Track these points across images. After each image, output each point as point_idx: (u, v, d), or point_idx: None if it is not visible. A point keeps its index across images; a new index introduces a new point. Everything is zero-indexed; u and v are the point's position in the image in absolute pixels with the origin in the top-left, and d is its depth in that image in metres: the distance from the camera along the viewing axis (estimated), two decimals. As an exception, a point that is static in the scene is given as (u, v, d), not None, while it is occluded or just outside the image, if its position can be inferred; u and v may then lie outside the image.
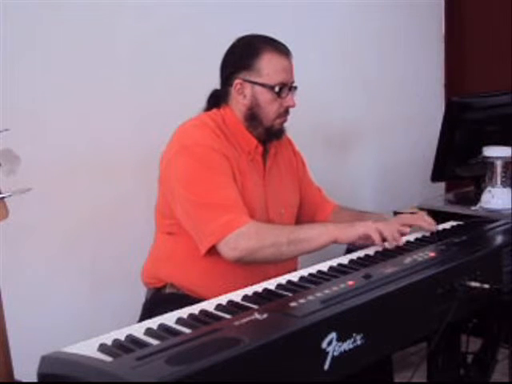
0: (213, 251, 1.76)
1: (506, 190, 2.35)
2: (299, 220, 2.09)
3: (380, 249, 1.70)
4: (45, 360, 1.11)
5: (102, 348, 1.12)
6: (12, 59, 2.19)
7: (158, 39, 2.58)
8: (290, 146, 2.13)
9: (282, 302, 1.31)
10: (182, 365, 1.01)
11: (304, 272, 1.54)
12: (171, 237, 1.91)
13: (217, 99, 1.97)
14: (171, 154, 1.85)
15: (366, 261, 1.62)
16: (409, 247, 1.71)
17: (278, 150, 2.03)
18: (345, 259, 1.64)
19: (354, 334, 1.24)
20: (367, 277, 1.42)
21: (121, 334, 1.18)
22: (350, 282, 1.38)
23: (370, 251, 1.70)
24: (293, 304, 1.27)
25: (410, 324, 1.42)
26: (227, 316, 1.27)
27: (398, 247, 1.71)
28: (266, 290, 1.43)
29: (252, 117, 1.90)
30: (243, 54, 1.90)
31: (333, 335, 1.20)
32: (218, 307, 1.33)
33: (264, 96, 1.88)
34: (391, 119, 3.54)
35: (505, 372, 2.32)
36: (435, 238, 1.81)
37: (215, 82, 1.98)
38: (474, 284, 1.51)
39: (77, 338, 1.19)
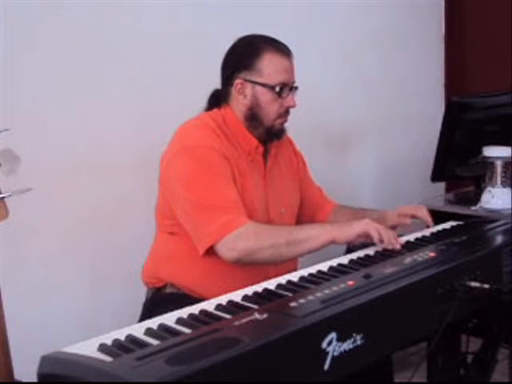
0: (212, 251, 1.76)
1: (506, 190, 2.35)
2: (299, 219, 2.09)
3: (380, 249, 1.70)
4: (45, 360, 1.11)
5: (102, 348, 1.12)
6: (12, 59, 2.19)
7: (158, 39, 2.58)
8: (290, 146, 2.13)
9: (281, 302, 1.31)
10: (182, 365, 1.01)
11: (304, 272, 1.54)
12: (171, 237, 1.91)
13: (217, 99, 1.97)
14: (172, 154, 1.85)
15: (365, 261, 1.62)
16: (409, 247, 1.71)
17: (278, 150, 2.03)
18: (345, 259, 1.64)
19: (353, 334, 1.24)
20: (367, 277, 1.42)
21: (121, 334, 1.18)
22: (350, 282, 1.38)
23: (370, 251, 1.70)
24: (293, 304, 1.27)
25: (410, 324, 1.42)
26: (227, 316, 1.27)
27: (396, 248, 1.71)
28: (266, 289, 1.43)
29: (252, 117, 1.90)
30: (244, 54, 1.90)
31: (333, 335, 1.20)
32: (218, 307, 1.33)
33: (265, 96, 1.88)
34: (391, 119, 3.54)
35: (505, 372, 2.32)
36: (435, 238, 1.81)
37: (215, 82, 1.98)
38: (474, 284, 1.51)
39: (77, 338, 1.19)
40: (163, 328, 1.22)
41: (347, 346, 1.23)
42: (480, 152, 2.42)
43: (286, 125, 1.97)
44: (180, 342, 1.11)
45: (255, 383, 1.08)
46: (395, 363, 1.97)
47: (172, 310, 1.31)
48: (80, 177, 2.40)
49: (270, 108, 1.89)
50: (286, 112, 1.92)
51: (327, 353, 1.19)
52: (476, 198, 2.44)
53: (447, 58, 3.82)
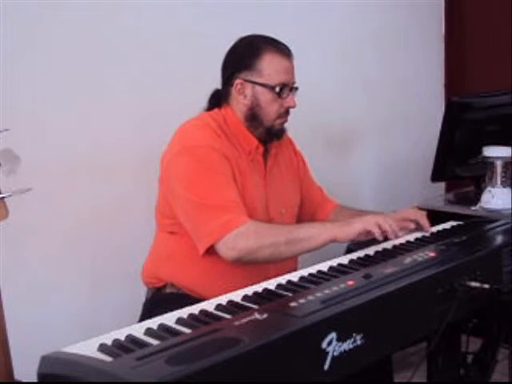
0: (213, 252, 1.76)
1: (506, 190, 2.35)
2: (300, 219, 2.09)
3: (380, 249, 1.70)
4: (45, 360, 1.11)
5: (102, 348, 1.12)
6: (12, 59, 2.19)
7: (158, 39, 2.58)
8: (290, 146, 2.13)
9: (282, 302, 1.31)
10: (182, 365, 1.01)
11: (304, 272, 1.54)
12: (172, 236, 1.91)
13: (218, 99, 1.97)
14: (172, 154, 1.86)
15: (365, 261, 1.62)
16: (409, 247, 1.71)
17: (278, 150, 2.03)
18: (345, 259, 1.64)
19: (353, 334, 1.24)
20: (367, 277, 1.42)
21: (121, 334, 1.18)
22: (350, 282, 1.38)
23: (370, 251, 1.70)
24: (293, 304, 1.27)
25: (410, 324, 1.42)
26: (227, 316, 1.27)
27: (398, 247, 1.71)
28: (265, 289, 1.43)
29: (252, 117, 1.90)
30: (244, 54, 1.90)
31: (333, 335, 1.20)
32: (218, 307, 1.33)
33: (264, 96, 1.88)
34: (391, 119, 3.54)
35: (505, 372, 2.32)
36: (435, 237, 1.81)
37: (216, 82, 1.98)
38: (474, 284, 1.50)
39: (77, 338, 1.19)
40: (163, 328, 1.22)
41: (347, 345, 1.23)
42: (480, 152, 2.42)
43: (286, 125, 1.97)
44: (180, 341, 1.11)
45: (255, 383, 1.08)
46: (395, 363, 1.97)
47: (172, 310, 1.31)
48: (80, 177, 2.40)
49: (269, 108, 1.89)
50: (286, 112, 1.92)
51: (327, 353, 1.19)
52: (476, 198, 2.44)
53: (447, 57, 3.82)
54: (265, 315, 1.21)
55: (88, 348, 1.12)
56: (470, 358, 2.02)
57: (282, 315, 1.23)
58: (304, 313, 1.22)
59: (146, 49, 2.55)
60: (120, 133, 2.49)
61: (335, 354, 1.20)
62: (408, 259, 1.55)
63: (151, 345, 1.13)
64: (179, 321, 1.25)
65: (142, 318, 1.83)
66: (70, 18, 2.34)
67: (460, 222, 1.99)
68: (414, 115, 3.63)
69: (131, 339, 1.17)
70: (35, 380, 1.12)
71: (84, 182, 2.41)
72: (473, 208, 2.40)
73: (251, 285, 1.46)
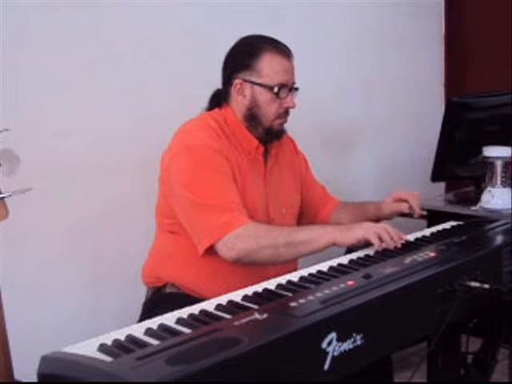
0: (213, 252, 1.76)
1: (506, 190, 2.35)
2: (302, 218, 2.09)
3: (380, 249, 1.70)
4: (45, 360, 1.11)
5: (102, 348, 1.12)
6: (12, 59, 2.19)
7: (158, 39, 2.58)
8: (291, 145, 2.13)
9: (282, 302, 1.31)
10: (182, 365, 1.01)
11: (304, 272, 1.54)
12: (172, 236, 1.91)
13: (218, 99, 1.97)
14: (172, 154, 1.86)
15: (366, 261, 1.62)
16: (409, 247, 1.70)
17: (279, 150, 2.03)
18: (345, 259, 1.64)
19: (353, 334, 1.24)
20: (367, 277, 1.42)
21: (121, 334, 1.18)
22: (350, 282, 1.38)
23: (370, 251, 1.70)
24: (293, 304, 1.27)
25: (410, 324, 1.42)
26: (227, 316, 1.27)
27: (398, 247, 1.70)
28: (266, 289, 1.43)
29: (251, 117, 1.90)
30: (244, 54, 1.90)
31: (333, 335, 1.20)
32: (218, 307, 1.33)
33: (263, 96, 1.88)
34: (391, 119, 3.54)
35: (505, 372, 2.32)
36: (435, 237, 1.81)
37: (216, 82, 1.98)
38: (474, 284, 1.50)
39: (77, 338, 1.19)
40: (163, 328, 1.22)
41: (347, 345, 1.23)
42: (480, 152, 2.42)
43: (287, 125, 1.97)
44: (180, 341, 1.11)
45: (255, 383, 1.08)
46: (395, 363, 1.97)
47: (172, 310, 1.31)
48: (80, 177, 2.40)
49: (268, 108, 1.89)
50: (286, 113, 1.92)
51: (327, 353, 1.19)
52: (476, 198, 2.44)
53: (447, 58, 3.82)
54: (265, 315, 1.21)
55: (88, 348, 1.12)
56: (469, 358, 2.02)
57: (282, 315, 1.23)
58: (304, 313, 1.22)
59: (146, 49, 2.55)
60: (120, 133, 2.49)
61: (335, 354, 1.20)
62: (408, 259, 1.55)
63: (151, 345, 1.13)
64: (179, 321, 1.25)
65: (142, 318, 1.83)
66: (70, 19, 2.33)
67: (460, 222, 1.99)
68: (414, 115, 3.63)
69: (131, 339, 1.17)
70: (35, 380, 1.12)
71: (84, 181, 2.41)
72: (473, 208, 2.40)
73: (251, 285, 1.46)
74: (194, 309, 1.32)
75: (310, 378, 1.18)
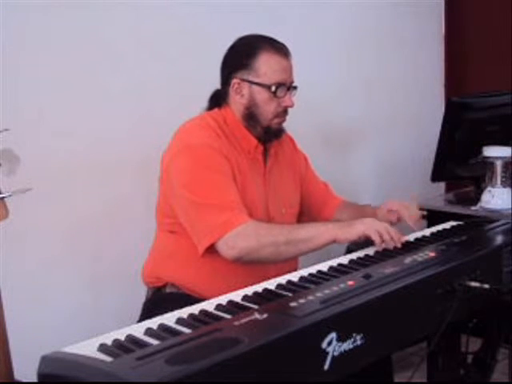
0: (213, 251, 1.76)
1: (506, 190, 2.35)
2: (304, 216, 2.09)
3: (380, 249, 1.70)
4: (45, 360, 1.11)
5: (102, 348, 1.12)
6: (12, 59, 2.19)
7: (158, 39, 2.58)
8: (291, 144, 2.13)
9: (282, 302, 1.31)
10: (182, 365, 1.01)
11: (304, 272, 1.54)
12: (172, 235, 1.91)
13: (218, 99, 1.97)
14: (172, 154, 1.86)
15: (366, 261, 1.62)
16: (409, 247, 1.70)
17: (278, 149, 2.03)
18: (345, 259, 1.64)
19: (353, 334, 1.24)
20: (367, 277, 1.42)
21: (121, 334, 1.18)
22: (350, 282, 1.38)
23: (370, 251, 1.70)
24: (293, 304, 1.27)
25: (410, 324, 1.42)
26: (227, 316, 1.27)
27: (398, 247, 1.70)
28: (265, 289, 1.43)
29: (250, 116, 1.90)
30: (241, 54, 1.90)
31: (333, 335, 1.20)
32: (218, 307, 1.33)
33: (261, 95, 1.88)
34: (391, 119, 3.54)
35: (505, 372, 2.32)
36: (435, 238, 1.81)
37: (216, 83, 1.98)
38: (473, 284, 1.50)
39: (77, 338, 1.19)
40: (163, 328, 1.22)
41: (347, 345, 1.23)
42: (480, 152, 2.42)
43: (287, 124, 1.97)
44: (180, 341, 1.11)
45: (255, 383, 1.08)
46: (395, 363, 1.97)
47: (172, 310, 1.31)
48: (80, 177, 2.40)
49: (266, 107, 1.89)
50: (284, 112, 1.92)
51: (327, 353, 1.19)
52: (476, 198, 2.44)
53: (447, 58, 3.82)
54: (265, 315, 1.21)
55: (88, 348, 1.12)
56: (470, 358, 2.02)
57: (282, 315, 1.23)
58: (304, 313, 1.22)
59: (146, 49, 2.55)
60: (120, 133, 2.49)
61: (335, 354, 1.20)
62: (408, 259, 1.55)
63: (151, 345, 1.13)
64: (179, 321, 1.25)
65: (142, 318, 1.83)
66: (69, 19, 2.33)
67: (460, 222, 1.99)
68: (414, 115, 3.63)
69: (131, 339, 1.17)
70: (35, 380, 1.12)
71: (84, 181, 2.41)
72: (473, 208, 2.40)
73: (251, 285, 1.46)
74: (194, 309, 1.32)
75: (309, 378, 1.18)
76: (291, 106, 1.91)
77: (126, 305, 2.16)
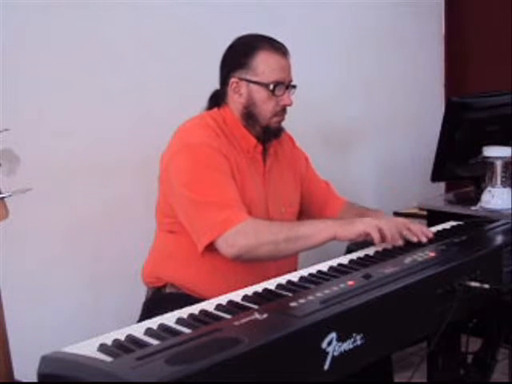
0: (213, 250, 1.76)
1: (506, 190, 2.35)
2: (306, 215, 2.09)
3: (380, 249, 1.70)
4: (45, 360, 1.11)
5: (102, 348, 1.12)
6: (12, 59, 2.19)
7: (158, 39, 2.59)
8: (290, 143, 2.13)
9: (282, 302, 1.30)
10: (182, 365, 1.01)
11: (304, 272, 1.54)
12: (172, 235, 1.91)
13: (217, 99, 1.97)
14: (172, 153, 1.86)
15: (366, 261, 1.62)
16: (409, 247, 1.70)
17: (278, 148, 2.03)
18: (345, 259, 1.63)
19: (353, 334, 1.24)
20: (367, 277, 1.42)
21: (121, 334, 1.18)
22: (350, 282, 1.38)
23: (370, 251, 1.70)
24: (293, 304, 1.27)
25: (410, 324, 1.42)
26: (227, 316, 1.27)
27: (398, 247, 1.70)
28: (265, 289, 1.43)
29: (248, 115, 1.90)
30: (239, 53, 1.90)
31: (333, 335, 1.20)
32: (218, 307, 1.33)
33: (259, 94, 1.88)
34: (391, 119, 3.55)
35: (505, 372, 2.32)
36: (435, 238, 1.81)
37: (216, 83, 1.98)
38: (473, 284, 1.50)
39: (77, 338, 1.19)
40: (163, 328, 1.22)
41: (347, 345, 1.23)
42: (480, 152, 2.42)
43: (287, 124, 1.97)
44: (180, 341, 1.11)
45: (255, 383, 1.08)
46: (395, 363, 1.97)
47: (172, 310, 1.31)
48: (80, 177, 2.40)
49: (265, 106, 1.89)
50: (283, 110, 1.92)
51: (327, 353, 1.19)
52: (476, 198, 2.44)
53: (447, 58, 3.82)
54: (265, 315, 1.21)
55: (88, 348, 1.12)
56: (470, 358, 2.02)
57: (282, 315, 1.22)
58: (304, 313, 1.22)
59: (146, 49, 2.55)
60: (120, 133, 2.50)
61: (335, 354, 1.20)
62: (408, 259, 1.55)
63: (151, 345, 1.13)
64: (179, 321, 1.25)
65: (142, 318, 1.83)
66: (69, 19, 2.34)
67: (460, 222, 1.99)
68: (414, 115, 3.64)
69: (131, 339, 1.17)
70: (35, 380, 1.12)
71: (84, 181, 2.42)
72: (473, 208, 2.40)
73: (251, 284, 1.46)
74: (194, 309, 1.32)
75: (309, 378, 1.18)
76: (290, 105, 1.91)
77: (126, 305, 2.16)
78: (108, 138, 2.47)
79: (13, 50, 2.20)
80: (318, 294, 1.31)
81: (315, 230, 1.71)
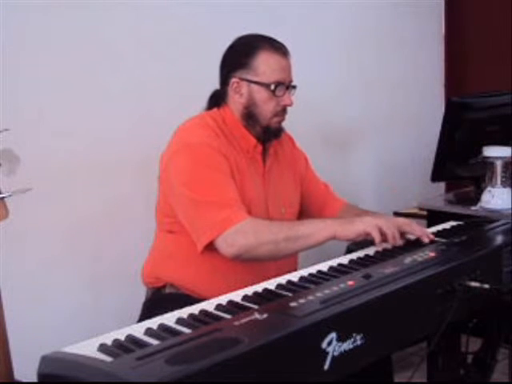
0: (212, 250, 1.76)
1: (506, 190, 2.35)
2: (305, 216, 2.08)
3: (380, 249, 1.70)
4: (45, 360, 1.11)
5: (102, 348, 1.12)
6: (12, 59, 2.19)
7: (158, 39, 2.59)
8: (290, 143, 2.13)
9: (282, 302, 1.30)
10: (182, 365, 1.01)
11: (304, 272, 1.54)
12: (171, 235, 1.91)
13: (217, 99, 1.97)
14: (171, 152, 1.86)
15: (366, 261, 1.62)
16: (409, 247, 1.70)
17: (278, 149, 2.03)
18: (345, 259, 1.63)
19: (353, 334, 1.24)
20: (367, 277, 1.42)
21: (121, 334, 1.18)
22: (350, 282, 1.38)
23: (370, 251, 1.70)
24: (293, 304, 1.27)
25: (410, 324, 1.42)
26: (227, 316, 1.27)
27: (398, 247, 1.70)
28: (265, 289, 1.43)
29: (249, 115, 1.90)
30: (240, 53, 1.90)
31: (333, 335, 1.20)
32: (218, 307, 1.33)
33: (260, 94, 1.88)
34: (391, 119, 3.55)
35: (505, 372, 2.32)
36: (435, 238, 1.81)
37: (216, 83, 1.98)
38: (473, 284, 1.50)
39: (77, 338, 1.19)
40: (163, 328, 1.22)
41: (347, 345, 1.23)
42: (480, 152, 2.42)
43: (286, 124, 1.97)
44: (180, 341, 1.11)
45: (255, 383, 1.08)
46: (395, 363, 1.97)
47: (172, 310, 1.31)
48: (80, 177, 2.40)
49: (265, 106, 1.89)
50: (283, 111, 1.92)
51: (327, 353, 1.19)
52: (476, 198, 2.44)
53: (447, 58, 3.82)
54: (265, 315, 1.21)
55: (88, 348, 1.12)
56: (470, 358, 2.02)
57: (282, 315, 1.22)
58: (304, 313, 1.22)
59: (146, 49, 2.55)
60: (120, 133, 2.50)
61: (335, 354, 1.20)
62: (408, 259, 1.55)
63: (151, 345, 1.13)
64: (179, 321, 1.25)
65: (142, 318, 1.83)
66: (69, 19, 2.34)
67: (460, 222, 1.99)
68: (414, 115, 3.64)
69: (131, 339, 1.17)
70: (35, 380, 1.12)
71: (84, 181, 2.42)
72: (473, 208, 2.40)
73: (251, 284, 1.46)
74: (194, 309, 1.32)
75: (309, 378, 1.18)
76: (290, 105, 1.91)
77: (126, 305, 2.16)
78: (108, 138, 2.47)
79: (13, 50, 2.20)
80: (318, 294, 1.31)
81: (315, 230, 1.71)
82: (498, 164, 2.35)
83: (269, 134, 1.94)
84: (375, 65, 3.45)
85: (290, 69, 1.92)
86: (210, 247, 1.75)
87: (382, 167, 3.54)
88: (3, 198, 1.29)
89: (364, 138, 3.46)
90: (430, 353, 1.86)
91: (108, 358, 1.08)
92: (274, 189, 1.98)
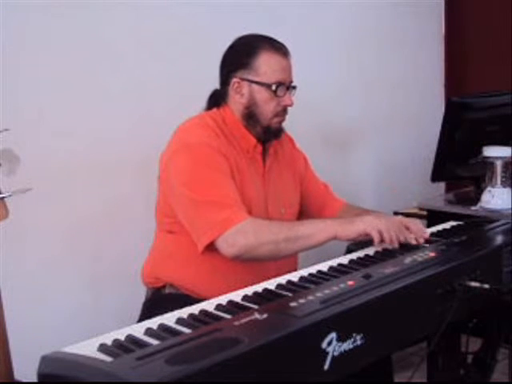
0: (212, 250, 1.76)
1: (506, 190, 2.35)
2: (305, 216, 2.08)
3: (380, 249, 1.70)
4: (45, 360, 1.11)
5: (102, 348, 1.12)
6: (12, 59, 2.19)
7: (158, 39, 2.59)
8: (290, 144, 2.13)
9: (282, 302, 1.31)
10: (182, 365, 1.01)
11: (304, 272, 1.54)
12: (171, 235, 1.91)
13: (217, 99, 1.97)
14: (171, 152, 1.86)
15: (366, 261, 1.62)
16: (409, 247, 1.70)
17: (278, 149, 2.03)
18: (345, 259, 1.63)
19: (353, 334, 1.24)
20: (367, 277, 1.42)
21: (121, 334, 1.18)
22: (350, 282, 1.38)
23: (370, 251, 1.70)
24: (293, 304, 1.27)
25: (410, 324, 1.42)
26: (227, 316, 1.27)
27: (398, 247, 1.70)
28: (265, 289, 1.43)
29: (249, 116, 1.90)
30: (241, 53, 1.90)
31: (333, 335, 1.20)
32: (218, 307, 1.33)
33: (261, 95, 1.88)
34: (391, 119, 3.55)
35: (505, 372, 2.32)
36: (435, 238, 1.81)
37: (216, 83, 1.98)
38: (473, 284, 1.50)
39: (77, 338, 1.19)
40: (163, 328, 1.22)
41: (347, 345, 1.23)
42: (480, 152, 2.42)
43: (286, 124, 1.97)
44: (180, 342, 1.11)
45: (255, 383, 1.08)
46: (395, 363, 1.97)
47: (172, 310, 1.31)
48: (80, 177, 2.40)
49: (266, 107, 1.89)
50: (284, 111, 1.92)
51: (327, 353, 1.19)
52: (476, 198, 2.44)
53: (447, 58, 3.82)
54: (265, 315, 1.21)
55: (88, 348, 1.12)
56: (470, 358, 2.02)
57: (282, 315, 1.22)
58: (304, 313, 1.22)
59: (146, 49, 2.55)
60: (120, 133, 2.50)
61: (335, 354, 1.20)
62: (408, 259, 1.55)
63: (151, 345, 1.13)
64: (179, 321, 1.25)
65: (142, 318, 1.83)
66: (70, 19, 2.34)
67: (460, 222, 1.99)
68: (414, 115, 3.64)
69: (131, 339, 1.17)
70: (35, 380, 1.12)
71: (84, 181, 2.42)
72: (473, 208, 2.40)
73: (251, 284, 1.46)
74: (194, 309, 1.32)
75: (309, 378, 1.18)
76: (291, 106, 1.91)
77: (126, 305, 2.16)
78: (108, 138, 2.47)
79: (13, 50, 2.20)
80: (318, 294, 1.31)
81: (315, 230, 1.71)
82: (498, 164, 2.35)
83: (269, 134, 1.94)
84: (375, 65, 3.45)
85: (291, 69, 1.92)
86: (210, 247, 1.75)
87: (382, 167, 3.54)
88: (3, 197, 1.29)
89: (364, 138, 3.46)
90: (429, 353, 1.86)
91: (108, 358, 1.08)
92: (274, 189, 1.98)
